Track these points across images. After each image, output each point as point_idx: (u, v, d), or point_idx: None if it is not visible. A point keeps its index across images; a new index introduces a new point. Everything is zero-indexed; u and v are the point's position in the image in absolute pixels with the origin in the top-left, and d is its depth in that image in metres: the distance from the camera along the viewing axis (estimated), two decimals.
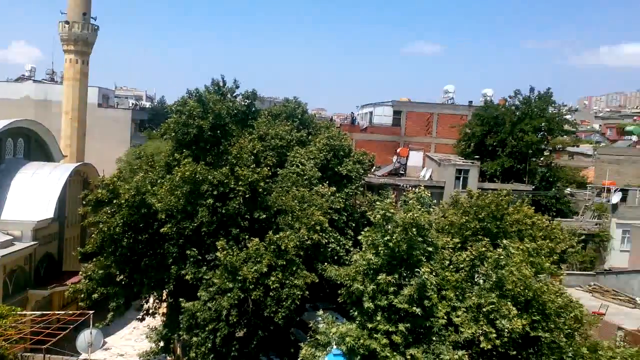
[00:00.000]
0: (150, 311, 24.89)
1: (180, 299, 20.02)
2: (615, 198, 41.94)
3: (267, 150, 27.37)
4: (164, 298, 24.65)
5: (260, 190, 21.42)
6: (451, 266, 15.83)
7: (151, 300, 25.10)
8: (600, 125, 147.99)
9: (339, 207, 24.97)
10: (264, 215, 21.49)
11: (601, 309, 26.73)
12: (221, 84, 28.53)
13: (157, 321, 24.99)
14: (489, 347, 13.64)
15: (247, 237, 20.49)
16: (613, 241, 40.67)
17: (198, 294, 19.67)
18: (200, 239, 21.19)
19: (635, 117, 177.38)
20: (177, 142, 24.75)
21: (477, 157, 45.22)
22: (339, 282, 15.80)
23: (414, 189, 17.50)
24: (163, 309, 25.13)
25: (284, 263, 19.45)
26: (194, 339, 19.54)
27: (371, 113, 53.49)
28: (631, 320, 25.31)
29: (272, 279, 18.94)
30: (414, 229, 14.21)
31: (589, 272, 34.97)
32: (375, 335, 13.63)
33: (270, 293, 19.03)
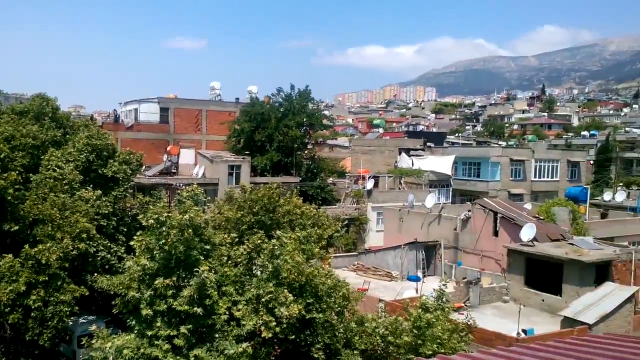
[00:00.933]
0: None
1: None
2: (369, 184, 46.86)
3: (16, 151, 24.10)
4: None
5: (10, 198, 18.83)
6: (229, 261, 15.94)
7: None
8: (353, 120, 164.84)
9: (106, 212, 23.31)
10: (17, 227, 18.98)
11: (364, 285, 29.64)
12: None
13: None
14: (270, 335, 14.08)
15: None
16: (370, 223, 45.44)
17: None
18: None
19: (380, 112, 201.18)
20: None
21: (247, 152, 46.46)
22: (112, 292, 14.77)
23: (187, 187, 17.16)
24: None
25: (46, 279, 17.51)
26: None
27: (136, 110, 51.01)
28: (389, 291, 28.59)
29: (33, 298, 16.92)
30: (190, 230, 13.96)
31: (352, 253, 38.47)
32: (156, 342, 13.06)
33: (32, 314, 16.99)
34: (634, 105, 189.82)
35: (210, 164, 42.56)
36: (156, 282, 13.45)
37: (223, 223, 20.71)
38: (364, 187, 47.36)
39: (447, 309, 16.40)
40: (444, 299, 16.78)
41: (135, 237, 14.68)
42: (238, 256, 16.07)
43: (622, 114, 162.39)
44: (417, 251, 33.47)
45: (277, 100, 50.23)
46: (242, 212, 20.97)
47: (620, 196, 48.93)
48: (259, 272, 15.71)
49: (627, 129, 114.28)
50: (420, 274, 32.12)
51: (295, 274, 15.05)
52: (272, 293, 14.55)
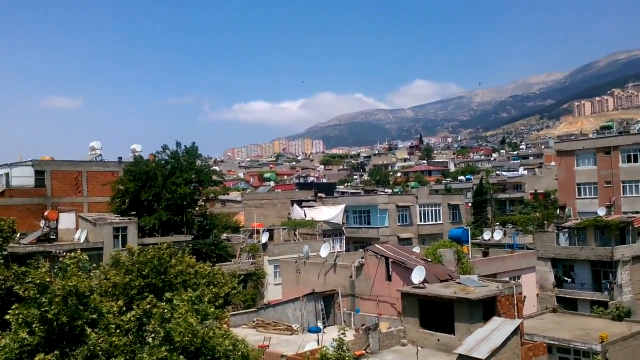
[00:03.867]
0: None
1: None
2: (264, 238, 46.50)
3: None
4: None
5: None
6: (118, 330, 14.91)
7: None
8: (244, 174, 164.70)
9: None
10: None
11: (265, 341, 28.89)
12: None
13: None
14: None
15: None
16: (268, 277, 44.85)
17: None
18: None
19: (270, 165, 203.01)
20: None
21: (133, 213, 44.46)
22: None
23: (69, 253, 15.99)
24: None
25: None
26: None
27: (7, 175, 47.53)
28: (291, 345, 28.03)
29: None
30: (74, 298, 12.94)
31: (251, 309, 37.46)
32: None
33: None
34: (501, 151, 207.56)
35: (94, 227, 40.19)
36: (36, 358, 12.24)
37: (110, 289, 19.41)
38: (259, 241, 46.92)
39: (347, 358, 16.38)
40: (344, 348, 16.76)
41: (11, 310, 13.34)
42: (127, 323, 15.10)
43: (492, 158, 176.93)
44: (315, 302, 33.38)
45: (163, 158, 49.01)
46: (130, 276, 19.80)
47: (498, 235, 52.68)
48: (150, 339, 14.82)
49: (497, 172, 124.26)
50: (320, 325, 31.97)
51: (190, 337, 14.37)
52: (165, 359, 13.76)
